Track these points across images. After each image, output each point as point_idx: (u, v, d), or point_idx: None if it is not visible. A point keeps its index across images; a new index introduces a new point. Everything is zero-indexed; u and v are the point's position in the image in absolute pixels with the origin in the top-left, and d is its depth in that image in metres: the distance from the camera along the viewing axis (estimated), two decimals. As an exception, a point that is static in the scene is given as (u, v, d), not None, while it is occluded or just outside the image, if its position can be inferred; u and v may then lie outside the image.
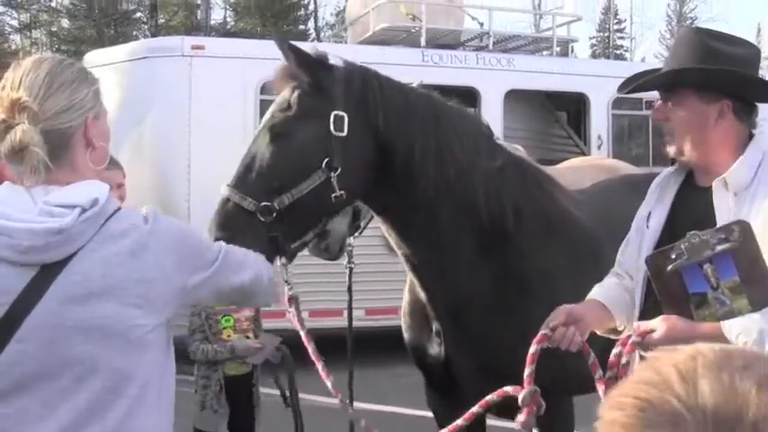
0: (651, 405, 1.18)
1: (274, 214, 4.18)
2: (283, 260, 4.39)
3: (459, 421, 4.12)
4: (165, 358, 2.91)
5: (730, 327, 3.27)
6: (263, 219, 4.17)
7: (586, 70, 15.93)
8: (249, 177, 4.30)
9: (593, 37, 67.24)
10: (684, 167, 3.82)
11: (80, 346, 2.65)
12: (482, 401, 3.97)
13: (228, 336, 6.69)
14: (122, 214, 2.81)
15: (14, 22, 45.14)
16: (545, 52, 17.30)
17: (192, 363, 6.65)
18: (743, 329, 3.25)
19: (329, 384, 4.60)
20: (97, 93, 2.92)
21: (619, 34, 65.06)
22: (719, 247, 3.29)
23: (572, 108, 17.38)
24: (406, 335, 5.39)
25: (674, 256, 3.38)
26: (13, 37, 45.90)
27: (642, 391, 1.21)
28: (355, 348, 6.92)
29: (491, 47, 15.73)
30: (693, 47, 3.66)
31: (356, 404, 7.00)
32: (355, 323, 10.39)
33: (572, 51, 21.42)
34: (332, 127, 4.30)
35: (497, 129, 13.65)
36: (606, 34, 64.67)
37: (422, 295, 4.99)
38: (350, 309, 6.74)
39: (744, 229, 3.28)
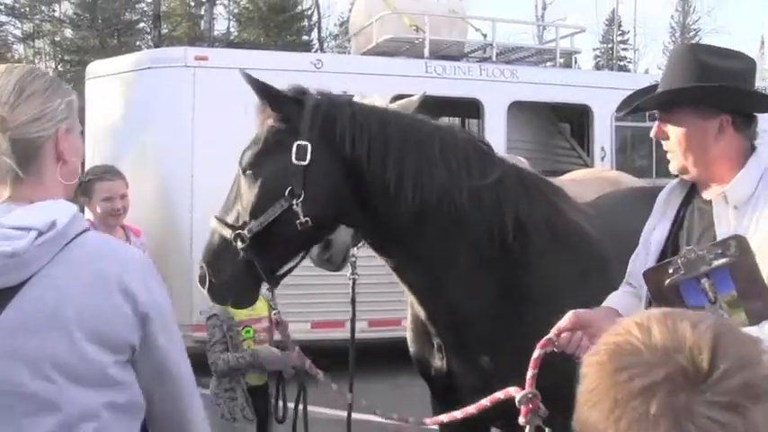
0: (618, 345, 1.66)
1: (247, 241, 4.57)
2: (268, 286, 4.83)
3: (471, 408, 4.24)
4: (131, 395, 2.68)
5: None
6: (239, 246, 4.60)
7: (590, 82, 15.87)
8: (229, 208, 4.78)
9: (597, 48, 67.38)
10: (687, 181, 3.82)
11: (33, 379, 2.48)
12: (490, 397, 4.04)
13: (249, 346, 6.76)
14: (85, 239, 2.65)
15: (17, 32, 45.27)
16: (548, 64, 17.25)
17: (206, 375, 6.65)
18: None
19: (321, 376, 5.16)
20: (71, 105, 2.79)
21: (622, 45, 65.11)
22: (716, 263, 3.32)
23: (575, 119, 17.39)
24: (410, 348, 5.43)
25: (671, 271, 3.43)
26: (16, 46, 46.03)
27: (611, 338, 1.70)
28: (357, 359, 6.91)
29: (494, 58, 15.70)
30: (687, 64, 3.66)
31: (358, 415, 6.98)
32: (358, 334, 10.36)
33: (575, 63, 21.38)
34: (293, 157, 4.57)
35: (501, 140, 13.65)
36: (610, 45, 64.73)
37: (420, 311, 5.04)
38: (353, 321, 6.73)
39: (740, 243, 3.30)
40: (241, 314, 6.59)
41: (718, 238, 3.45)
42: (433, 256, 4.71)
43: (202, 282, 4.81)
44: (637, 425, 1.54)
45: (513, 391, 3.75)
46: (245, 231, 4.58)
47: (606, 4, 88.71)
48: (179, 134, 12.95)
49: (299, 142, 4.59)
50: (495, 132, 14.06)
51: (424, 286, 4.88)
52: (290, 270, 4.92)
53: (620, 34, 65.17)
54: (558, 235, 4.81)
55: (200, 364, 11.64)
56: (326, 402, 5.69)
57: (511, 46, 17.55)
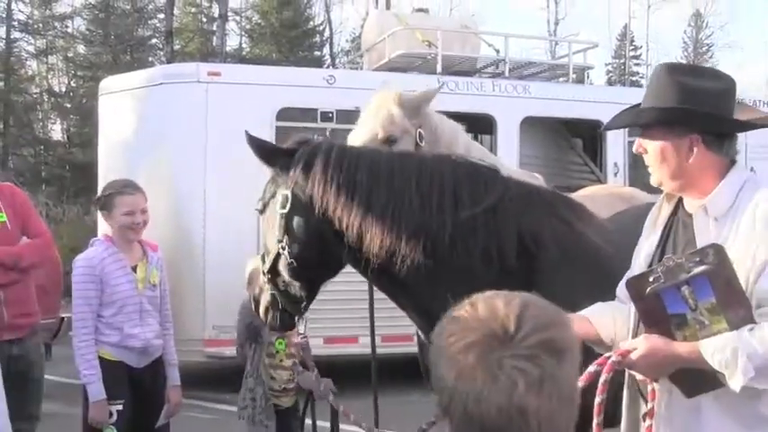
0: (453, 317, 2.18)
1: (267, 277, 5.18)
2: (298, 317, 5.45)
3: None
4: None
5: (706, 346, 3.41)
6: (265, 281, 5.21)
7: (602, 97, 15.84)
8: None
9: (609, 63, 67.19)
10: (674, 195, 3.99)
11: None
12: None
13: (281, 360, 7.01)
14: None
15: (31, 48, 45.29)
16: (561, 79, 17.23)
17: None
18: (717, 348, 3.38)
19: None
20: None
21: (635, 61, 64.92)
22: (695, 270, 3.42)
23: (588, 135, 17.36)
24: (420, 362, 5.49)
25: (651, 279, 3.53)
26: (29, 63, 46.03)
27: (452, 314, 2.20)
28: (370, 375, 6.89)
29: (507, 74, 15.75)
30: (666, 84, 3.83)
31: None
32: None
33: (588, 78, 21.33)
34: (278, 206, 5.00)
35: (513, 156, 13.65)
36: (622, 61, 64.61)
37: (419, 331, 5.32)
38: (371, 311, 6.66)
39: (718, 252, 3.42)
40: None
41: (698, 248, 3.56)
42: (418, 285, 4.87)
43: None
44: (463, 373, 2.04)
45: None
46: (264, 268, 5.16)
47: (618, 19, 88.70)
48: (192, 150, 13.00)
49: (283, 192, 5.00)
50: (508, 148, 14.08)
51: (414, 311, 5.09)
52: (309, 303, 5.33)
53: (633, 49, 65.05)
54: (569, 252, 4.82)
55: (213, 379, 11.65)
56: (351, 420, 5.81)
57: (523, 61, 17.57)
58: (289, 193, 4.94)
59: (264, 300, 5.28)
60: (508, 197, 4.85)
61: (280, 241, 4.97)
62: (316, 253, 5.02)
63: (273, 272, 5.10)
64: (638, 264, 4.03)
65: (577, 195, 6.75)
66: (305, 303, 5.29)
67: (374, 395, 6.93)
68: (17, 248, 7.26)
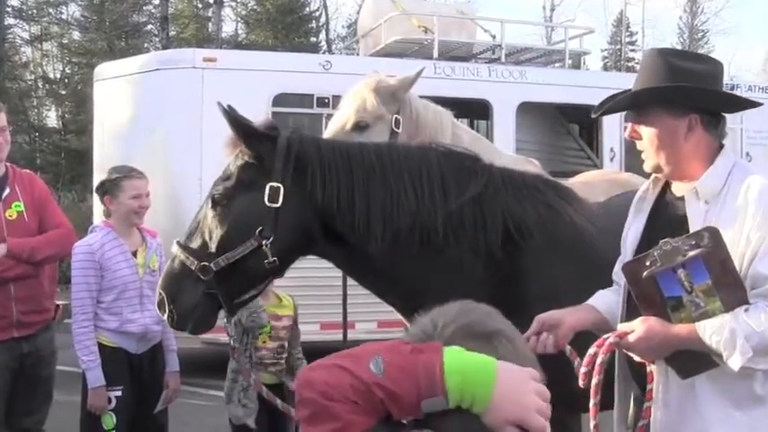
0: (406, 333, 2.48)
1: (212, 274, 4.66)
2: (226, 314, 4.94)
3: None
4: None
5: (704, 327, 3.50)
6: (202, 277, 4.68)
7: (599, 83, 15.83)
8: (195, 238, 4.83)
9: (605, 49, 67.19)
10: (661, 179, 4.05)
11: None
12: None
13: (264, 342, 6.99)
14: None
15: (25, 34, 45.13)
16: (557, 65, 17.23)
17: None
18: (715, 329, 3.46)
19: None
20: None
21: (630, 47, 64.79)
22: (691, 253, 3.51)
23: (584, 120, 17.36)
24: None
25: (648, 263, 3.60)
26: (23, 49, 45.89)
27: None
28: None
29: (503, 59, 15.70)
30: (657, 67, 3.88)
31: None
32: (367, 336, 10.32)
33: (584, 64, 21.37)
34: (266, 198, 4.64)
35: (510, 141, 13.66)
36: (618, 47, 64.56)
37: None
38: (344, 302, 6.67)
39: (713, 234, 3.50)
40: (267, 308, 6.89)
41: (691, 231, 3.64)
42: (410, 279, 4.82)
43: (161, 308, 4.86)
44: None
45: None
46: (212, 264, 4.67)
47: (614, 5, 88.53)
48: (188, 135, 12.97)
49: (271, 184, 4.67)
50: (504, 133, 14.08)
51: (404, 306, 5.04)
52: (252, 298, 5.02)
53: (629, 35, 64.95)
54: (554, 238, 4.81)
55: (208, 365, 11.70)
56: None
57: (520, 47, 17.51)
58: (281, 186, 4.65)
59: (194, 299, 4.74)
60: (492, 185, 4.82)
61: (266, 237, 4.61)
62: (301, 250, 4.87)
63: (230, 269, 4.68)
64: (627, 246, 4.10)
65: (574, 181, 6.76)
66: (247, 299, 5.00)
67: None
68: (32, 241, 6.99)
